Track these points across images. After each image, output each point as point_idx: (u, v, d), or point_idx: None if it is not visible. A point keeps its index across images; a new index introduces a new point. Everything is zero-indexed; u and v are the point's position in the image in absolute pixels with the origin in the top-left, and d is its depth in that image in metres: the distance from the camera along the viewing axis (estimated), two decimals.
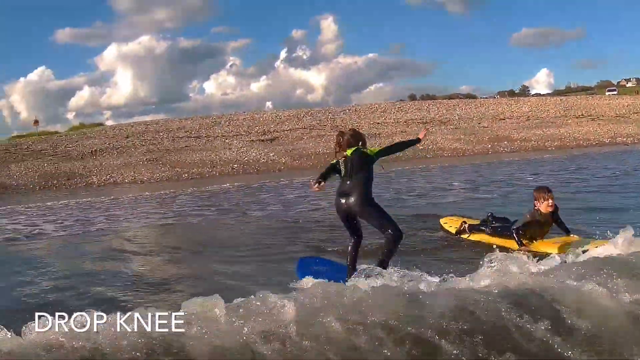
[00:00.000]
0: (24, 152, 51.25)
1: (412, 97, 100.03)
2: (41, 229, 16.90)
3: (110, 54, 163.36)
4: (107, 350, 3.85)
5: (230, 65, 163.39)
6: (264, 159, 46.03)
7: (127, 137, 56.70)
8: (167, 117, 75.62)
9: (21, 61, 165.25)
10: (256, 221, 15.87)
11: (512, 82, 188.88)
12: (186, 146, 52.01)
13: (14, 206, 25.90)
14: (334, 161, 7.72)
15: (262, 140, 54.43)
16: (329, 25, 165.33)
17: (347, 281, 6.44)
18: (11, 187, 38.64)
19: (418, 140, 8.09)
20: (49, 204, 25.95)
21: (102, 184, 39.56)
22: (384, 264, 7.16)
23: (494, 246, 8.07)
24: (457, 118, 65.19)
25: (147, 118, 78.15)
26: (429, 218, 13.09)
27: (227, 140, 54.66)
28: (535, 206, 9.26)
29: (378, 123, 62.17)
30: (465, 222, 11.09)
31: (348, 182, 7.45)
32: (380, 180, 20.41)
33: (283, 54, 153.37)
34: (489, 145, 50.96)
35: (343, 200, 7.44)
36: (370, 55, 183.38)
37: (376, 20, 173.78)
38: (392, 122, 62.57)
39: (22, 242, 14.63)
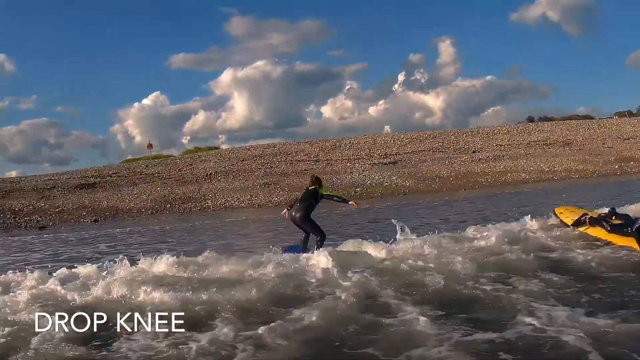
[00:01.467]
0: (137, 175, 50.59)
1: (530, 119, 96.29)
2: None
3: (225, 79, 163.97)
4: None
5: (348, 89, 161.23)
6: (387, 182, 42.68)
7: (243, 160, 55.46)
8: (284, 141, 74.00)
9: (136, 86, 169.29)
10: None
11: (628, 102, 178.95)
12: (305, 170, 49.61)
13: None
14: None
15: (385, 164, 51.71)
16: (447, 48, 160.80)
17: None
18: (122, 210, 37.31)
19: (347, 202, 13.35)
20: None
21: (218, 208, 37.39)
22: (317, 249, 11.75)
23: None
24: (580, 139, 62.46)
25: (263, 142, 76.76)
26: None
27: (348, 164, 52.33)
28: None
29: (501, 145, 60.62)
30: (586, 214, 11.24)
31: (298, 205, 13.00)
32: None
33: (401, 78, 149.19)
34: (616, 166, 47.80)
35: (293, 214, 12.92)
36: (489, 77, 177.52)
37: (494, 42, 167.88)
38: (515, 144, 60.76)
39: None
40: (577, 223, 11.10)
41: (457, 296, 8.05)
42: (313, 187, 13.11)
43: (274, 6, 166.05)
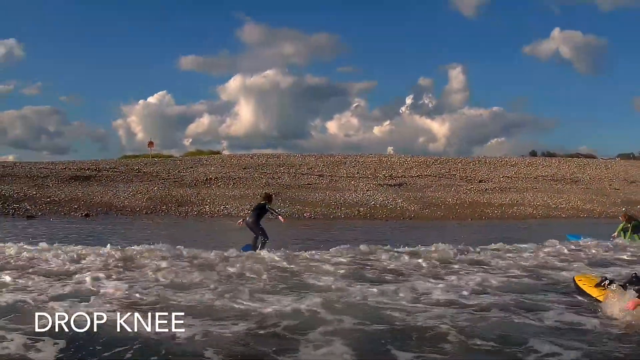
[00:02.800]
0: (135, 172, 49.50)
1: (533, 154, 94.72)
2: None
3: (233, 85, 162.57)
4: None
5: (355, 107, 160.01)
6: (392, 204, 41.32)
7: (245, 169, 54.26)
8: (288, 152, 72.87)
9: (142, 84, 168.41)
10: None
11: (630, 145, 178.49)
12: (308, 184, 48.52)
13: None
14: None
15: (390, 185, 50.40)
16: (457, 75, 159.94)
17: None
18: (116, 207, 36.15)
19: (278, 217, 18.04)
20: None
21: (216, 214, 36.09)
22: (261, 249, 16.48)
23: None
24: (587, 178, 61.10)
25: (265, 152, 75.71)
26: None
27: (352, 182, 50.95)
28: None
29: (508, 177, 59.33)
30: (606, 278, 10.85)
31: (251, 213, 17.73)
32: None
33: (409, 100, 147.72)
34: (623, 209, 45.33)
35: (247, 219, 17.60)
36: (495, 108, 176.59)
37: (503, 73, 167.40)
38: (522, 177, 59.64)
39: None
40: (599, 285, 10.75)
41: None
42: (263, 202, 17.80)
43: (288, 15, 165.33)
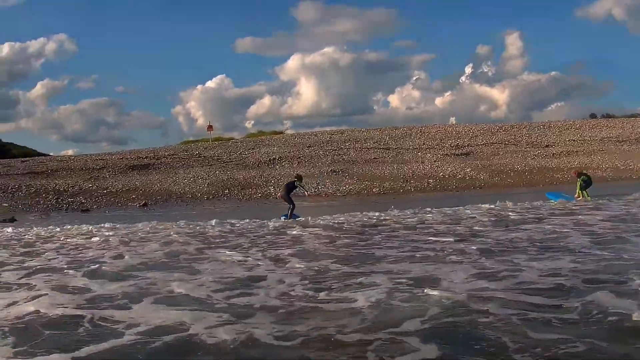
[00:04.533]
0: (195, 158, 49.47)
1: (593, 116, 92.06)
2: None
3: (292, 64, 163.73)
4: None
5: (415, 79, 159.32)
6: (460, 174, 40.66)
7: (309, 147, 54.07)
8: (352, 128, 72.43)
9: (200, 69, 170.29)
10: None
11: None
12: (375, 158, 48.11)
13: None
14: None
15: (457, 155, 49.84)
16: (514, 42, 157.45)
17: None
18: (176, 194, 35.48)
19: (305, 194, 23.98)
20: None
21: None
22: (290, 216, 21.08)
23: None
24: None
25: (328, 129, 75.48)
26: None
27: (419, 153, 50.46)
28: None
29: (574, 140, 58.22)
30: None
31: (283, 187, 22.62)
32: None
33: (468, 70, 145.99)
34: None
35: (279, 193, 23.55)
36: (553, 73, 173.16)
37: (560, 37, 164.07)
38: (588, 140, 58.26)
39: None
40: None
41: None
42: (293, 180, 22.33)
43: None
